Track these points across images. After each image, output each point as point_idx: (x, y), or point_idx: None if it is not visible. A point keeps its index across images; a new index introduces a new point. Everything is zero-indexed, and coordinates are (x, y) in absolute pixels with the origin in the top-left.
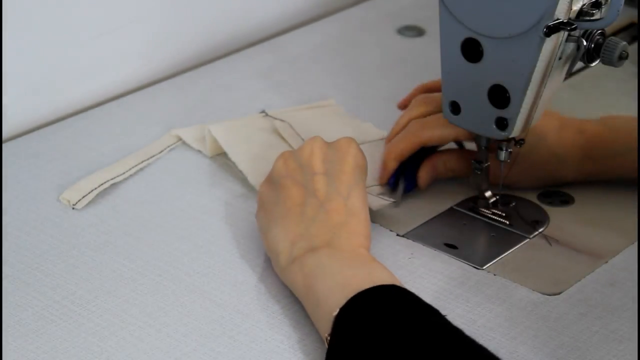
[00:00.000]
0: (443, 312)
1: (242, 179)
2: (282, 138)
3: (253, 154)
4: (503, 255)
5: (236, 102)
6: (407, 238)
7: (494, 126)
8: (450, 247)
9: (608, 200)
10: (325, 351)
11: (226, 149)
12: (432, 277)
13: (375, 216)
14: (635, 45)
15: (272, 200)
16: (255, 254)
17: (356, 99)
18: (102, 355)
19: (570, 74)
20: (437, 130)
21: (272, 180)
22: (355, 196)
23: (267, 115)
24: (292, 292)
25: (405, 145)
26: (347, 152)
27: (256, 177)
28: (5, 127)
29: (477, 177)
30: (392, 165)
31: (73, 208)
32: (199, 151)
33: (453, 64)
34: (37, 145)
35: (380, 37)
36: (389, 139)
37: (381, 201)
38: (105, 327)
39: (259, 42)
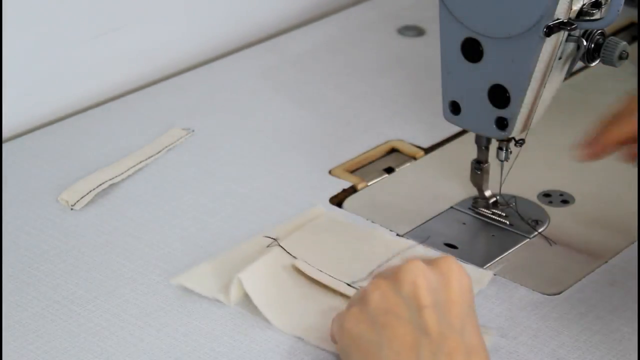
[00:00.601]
0: None
1: (243, 179)
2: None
3: (279, 298)
4: (503, 255)
5: (236, 102)
6: (407, 238)
7: (494, 126)
8: (450, 247)
9: (608, 200)
10: (325, 351)
11: (254, 297)
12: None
13: (375, 216)
14: (635, 45)
15: (374, 341)
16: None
17: (356, 99)
18: (102, 355)
19: (570, 74)
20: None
21: (368, 315)
22: (470, 330)
23: (274, 242)
24: None
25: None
26: (450, 275)
27: (282, 320)
28: (5, 127)
29: (477, 177)
30: (609, 150)
31: (72, 209)
32: (199, 155)
33: (453, 64)
34: (37, 145)
35: (380, 37)
36: (610, 119)
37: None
38: (105, 327)
39: (259, 42)
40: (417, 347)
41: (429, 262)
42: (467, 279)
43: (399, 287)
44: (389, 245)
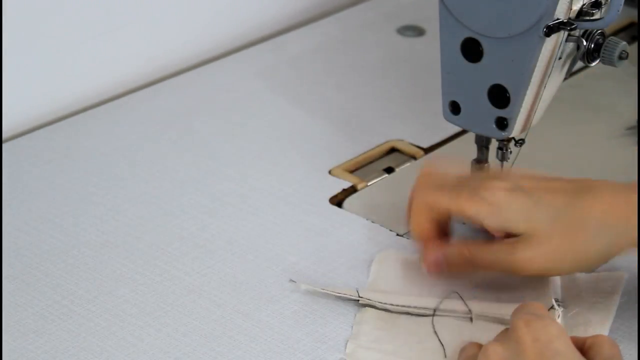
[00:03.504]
0: None
1: (243, 179)
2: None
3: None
4: None
5: (236, 102)
6: (407, 238)
7: (494, 126)
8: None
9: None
10: (324, 350)
11: None
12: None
13: (375, 216)
14: (635, 45)
15: None
16: (255, 254)
17: (356, 99)
18: (102, 355)
19: (570, 74)
20: (438, 199)
21: None
22: None
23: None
24: None
25: (412, 215)
26: (519, 337)
27: None
28: (5, 127)
29: None
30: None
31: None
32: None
33: (453, 64)
34: (37, 145)
35: (380, 37)
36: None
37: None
38: (105, 327)
39: (259, 42)
40: None
41: (502, 334)
42: (544, 330)
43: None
44: None
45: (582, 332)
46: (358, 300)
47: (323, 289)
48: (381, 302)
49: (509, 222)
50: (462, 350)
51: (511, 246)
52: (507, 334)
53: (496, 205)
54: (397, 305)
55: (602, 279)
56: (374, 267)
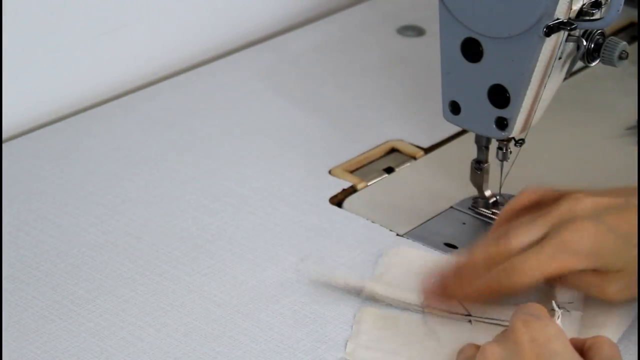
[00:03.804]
0: None
1: (243, 179)
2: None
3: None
4: None
5: (236, 102)
6: (407, 238)
7: (494, 126)
8: (450, 247)
9: None
10: (324, 350)
11: None
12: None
13: (375, 216)
14: (635, 45)
15: None
16: (255, 254)
17: (356, 99)
18: (102, 355)
19: (570, 74)
20: (527, 276)
21: None
22: None
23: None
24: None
25: (486, 290)
26: (517, 339)
27: None
28: (5, 127)
29: (477, 177)
30: (450, 300)
31: None
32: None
33: (453, 64)
34: (37, 145)
35: (380, 37)
36: (464, 268)
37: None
38: (105, 327)
39: (259, 42)
40: None
41: (501, 335)
42: (542, 331)
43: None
44: None
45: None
46: (361, 291)
47: (329, 276)
48: (385, 295)
49: (607, 265)
50: (460, 351)
51: (603, 280)
52: (505, 335)
53: (591, 253)
54: (399, 301)
55: None
56: (385, 259)
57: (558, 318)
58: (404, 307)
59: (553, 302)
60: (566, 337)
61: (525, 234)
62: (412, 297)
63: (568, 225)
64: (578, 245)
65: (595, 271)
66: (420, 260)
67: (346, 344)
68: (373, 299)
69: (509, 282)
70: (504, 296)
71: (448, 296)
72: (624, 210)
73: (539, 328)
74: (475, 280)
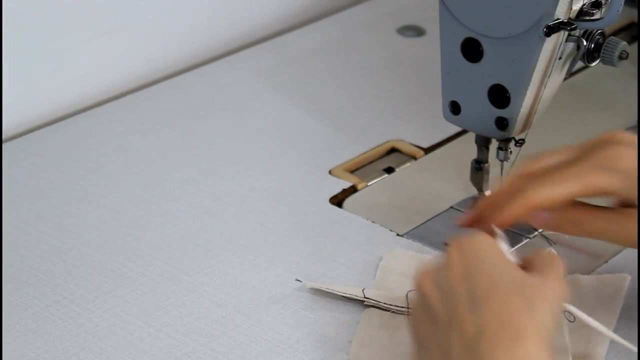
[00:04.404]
0: None
1: (243, 179)
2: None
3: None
4: None
5: (236, 102)
6: (407, 238)
7: (494, 126)
8: None
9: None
10: (325, 350)
11: None
12: None
13: (375, 216)
14: (635, 45)
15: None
16: (255, 254)
17: (356, 99)
18: (102, 355)
19: (570, 74)
20: (556, 188)
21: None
22: (492, 304)
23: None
24: None
25: (515, 212)
26: (450, 257)
27: None
28: (5, 127)
29: (477, 177)
30: (480, 225)
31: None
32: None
33: (453, 64)
34: (37, 145)
35: (380, 37)
36: (492, 198)
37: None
38: (105, 327)
39: (259, 42)
40: (435, 337)
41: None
42: (472, 245)
43: (417, 300)
44: None
45: (586, 334)
46: (363, 301)
47: (329, 288)
48: (386, 303)
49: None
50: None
51: (629, 216)
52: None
53: (628, 173)
54: (402, 307)
55: (605, 281)
56: (382, 264)
57: (501, 241)
58: (407, 312)
59: (493, 225)
60: (499, 249)
61: (558, 155)
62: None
63: (610, 145)
64: (620, 163)
65: (620, 208)
66: (418, 264)
67: (350, 343)
68: (375, 307)
69: (539, 195)
70: (539, 213)
71: (485, 222)
72: None
73: (469, 242)
74: (510, 200)
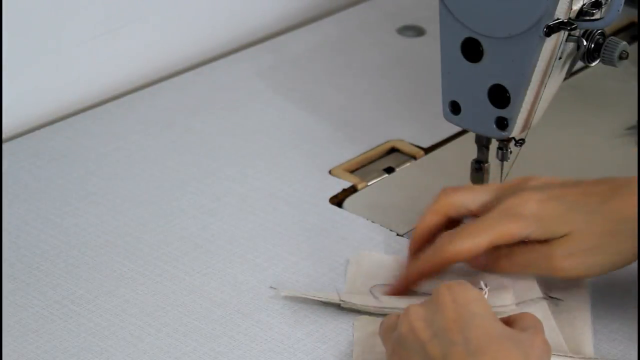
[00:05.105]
0: None
1: (243, 179)
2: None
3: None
4: None
5: (236, 102)
6: (407, 238)
7: (494, 126)
8: None
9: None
10: (325, 350)
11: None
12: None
13: (375, 216)
14: (635, 45)
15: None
16: (255, 254)
17: (356, 99)
18: (102, 355)
19: (570, 74)
20: (469, 241)
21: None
22: (476, 334)
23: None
24: None
25: (432, 266)
26: (440, 299)
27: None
28: (5, 127)
29: (477, 177)
30: (412, 286)
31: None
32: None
33: (453, 64)
34: (37, 145)
35: (380, 37)
36: (412, 249)
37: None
38: (105, 327)
39: (259, 42)
40: None
41: (425, 300)
42: (463, 294)
43: (398, 337)
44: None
45: (568, 320)
46: (339, 305)
47: (304, 295)
48: (363, 305)
49: (551, 229)
50: (382, 322)
51: (549, 245)
52: (429, 298)
53: (534, 216)
54: (379, 307)
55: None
56: (351, 268)
57: (485, 294)
58: (384, 312)
59: (481, 282)
60: (487, 303)
61: (467, 195)
62: (390, 302)
63: (513, 194)
64: (522, 209)
65: (540, 242)
66: (386, 265)
67: (350, 345)
68: (353, 310)
69: (454, 248)
70: (451, 266)
71: (406, 286)
72: (572, 185)
73: (460, 291)
74: (428, 254)
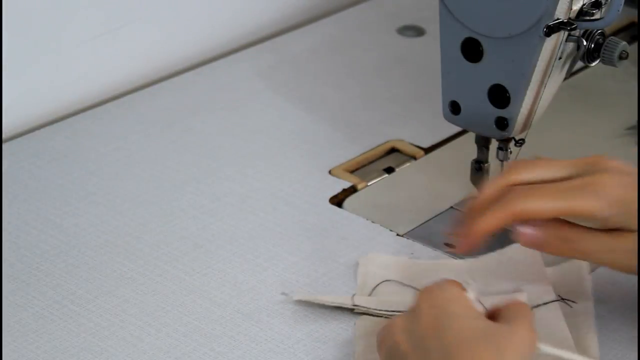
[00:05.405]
0: None
1: (243, 179)
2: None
3: None
4: None
5: (236, 102)
6: (407, 238)
7: (494, 126)
8: (450, 247)
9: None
10: (324, 350)
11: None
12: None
13: (375, 216)
14: (635, 45)
15: None
16: (255, 254)
17: (356, 99)
18: (102, 355)
19: (570, 74)
20: (542, 202)
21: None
22: (449, 334)
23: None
24: None
25: (499, 219)
26: (418, 307)
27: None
28: (5, 127)
29: (477, 177)
30: (477, 242)
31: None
32: (198, 151)
33: (453, 64)
34: (37, 145)
35: (380, 37)
36: (476, 206)
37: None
38: (105, 327)
39: (259, 42)
40: None
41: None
42: (441, 295)
43: (387, 352)
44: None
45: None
46: (353, 309)
47: (316, 299)
48: (377, 309)
49: (627, 221)
50: (377, 334)
51: (622, 238)
52: (411, 305)
53: (618, 201)
54: (392, 311)
55: (566, 270)
56: (361, 270)
57: (471, 292)
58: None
59: (468, 280)
60: (468, 301)
61: (547, 167)
62: (403, 305)
63: (598, 171)
64: (609, 190)
65: (609, 231)
66: (396, 266)
67: (350, 345)
68: (367, 314)
69: (524, 204)
70: (525, 230)
71: (471, 237)
72: None
73: (438, 293)
74: (494, 207)
